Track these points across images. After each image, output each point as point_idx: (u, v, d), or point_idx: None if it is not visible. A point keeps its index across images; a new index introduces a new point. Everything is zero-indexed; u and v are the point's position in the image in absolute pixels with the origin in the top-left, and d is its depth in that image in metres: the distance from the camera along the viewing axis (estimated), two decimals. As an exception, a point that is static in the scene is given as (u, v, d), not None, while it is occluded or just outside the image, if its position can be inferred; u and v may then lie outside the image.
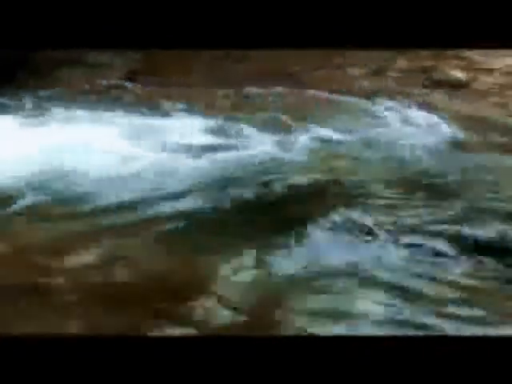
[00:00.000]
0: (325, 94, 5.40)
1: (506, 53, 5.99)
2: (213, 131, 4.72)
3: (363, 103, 5.30)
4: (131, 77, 5.82)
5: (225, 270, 3.19)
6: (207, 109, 5.09)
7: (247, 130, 4.73)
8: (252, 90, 5.42)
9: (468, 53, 6.12)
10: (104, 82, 5.69)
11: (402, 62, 6.06)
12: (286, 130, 4.77)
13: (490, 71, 5.94)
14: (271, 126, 4.80)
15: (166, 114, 4.99)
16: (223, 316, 2.88)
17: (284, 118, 4.94)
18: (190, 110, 5.04)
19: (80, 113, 4.88)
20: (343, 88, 5.52)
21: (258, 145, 4.54)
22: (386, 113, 5.11)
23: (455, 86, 5.68)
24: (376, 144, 4.61)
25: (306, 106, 5.23)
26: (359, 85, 5.64)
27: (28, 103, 5.07)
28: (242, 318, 2.87)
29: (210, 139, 4.62)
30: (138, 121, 4.82)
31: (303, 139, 4.63)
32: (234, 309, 2.91)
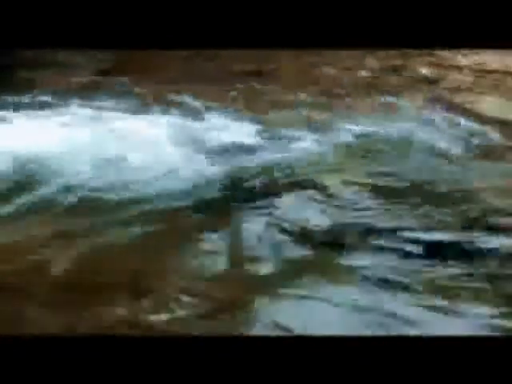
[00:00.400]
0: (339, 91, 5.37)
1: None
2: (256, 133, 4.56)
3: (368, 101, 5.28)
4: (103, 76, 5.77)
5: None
6: (228, 107, 4.96)
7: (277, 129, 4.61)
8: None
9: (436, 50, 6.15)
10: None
11: (371, 61, 6.07)
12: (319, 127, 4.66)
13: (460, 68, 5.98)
14: (305, 124, 4.69)
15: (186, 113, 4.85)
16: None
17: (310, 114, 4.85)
18: (211, 110, 4.87)
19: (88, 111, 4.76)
20: (336, 86, 5.52)
21: (294, 144, 4.41)
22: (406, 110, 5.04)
23: (428, 84, 5.71)
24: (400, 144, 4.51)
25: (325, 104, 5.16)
26: (345, 82, 5.63)
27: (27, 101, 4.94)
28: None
29: (257, 140, 4.46)
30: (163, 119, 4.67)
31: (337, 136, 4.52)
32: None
